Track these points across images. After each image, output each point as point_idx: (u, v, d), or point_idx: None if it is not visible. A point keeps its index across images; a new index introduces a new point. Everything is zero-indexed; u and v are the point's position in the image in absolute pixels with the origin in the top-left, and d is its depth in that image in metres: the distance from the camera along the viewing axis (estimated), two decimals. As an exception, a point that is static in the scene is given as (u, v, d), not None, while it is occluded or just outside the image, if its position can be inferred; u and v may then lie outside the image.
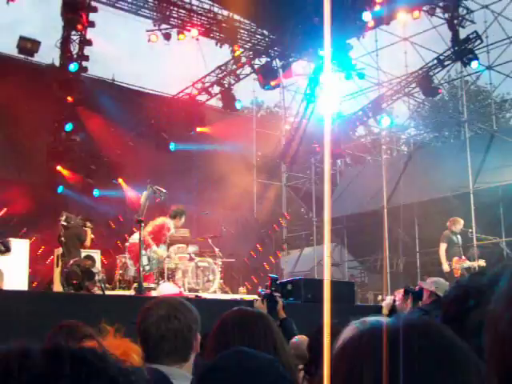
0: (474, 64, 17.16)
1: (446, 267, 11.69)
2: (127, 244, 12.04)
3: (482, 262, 12.24)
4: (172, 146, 19.43)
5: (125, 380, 0.87)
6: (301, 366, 3.38)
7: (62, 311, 6.60)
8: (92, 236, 12.31)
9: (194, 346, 2.85)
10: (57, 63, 17.17)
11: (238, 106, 19.90)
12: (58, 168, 17.51)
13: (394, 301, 7.13)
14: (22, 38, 16.17)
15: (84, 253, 11.86)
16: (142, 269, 10.25)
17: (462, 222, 12.23)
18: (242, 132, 22.29)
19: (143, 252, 10.65)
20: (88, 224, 12.02)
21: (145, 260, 10.90)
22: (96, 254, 12.68)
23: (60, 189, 17.48)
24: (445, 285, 6.24)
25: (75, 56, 16.37)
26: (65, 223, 11.44)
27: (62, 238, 11.47)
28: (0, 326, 6.18)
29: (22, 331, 6.34)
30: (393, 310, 7.12)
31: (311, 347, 3.12)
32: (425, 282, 6.50)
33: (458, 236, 12.07)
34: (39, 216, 16.08)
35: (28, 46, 16.16)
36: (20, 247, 11.50)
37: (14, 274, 10.85)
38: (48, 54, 17.47)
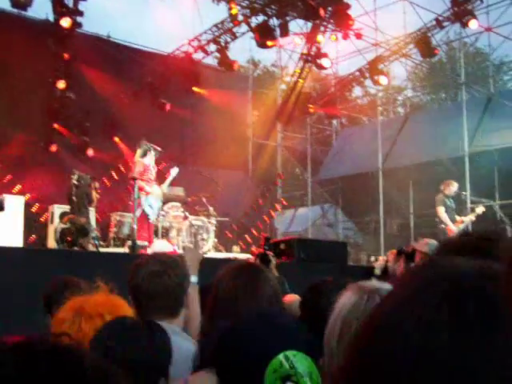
0: (473, 24, 16.97)
1: (452, 227, 11.64)
2: (131, 203, 12.01)
3: (479, 210, 12.30)
4: (167, 105, 19.32)
5: (102, 380, 0.83)
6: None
7: (56, 268, 6.63)
8: (98, 196, 12.49)
9: (184, 301, 2.88)
10: (51, 18, 16.93)
11: (235, 66, 19.76)
12: (55, 126, 17.45)
13: (387, 261, 7.18)
14: (15, -8, 15.89)
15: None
16: (134, 221, 10.25)
17: (455, 184, 12.19)
18: (237, 91, 22.15)
19: (144, 200, 10.66)
20: (96, 184, 12.28)
21: (148, 209, 10.90)
22: (91, 212, 12.73)
23: (54, 146, 17.46)
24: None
25: (69, 11, 16.11)
26: (76, 182, 11.61)
27: (74, 198, 11.63)
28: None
29: (16, 287, 6.38)
30: (385, 271, 7.18)
31: (303, 305, 3.13)
32: (417, 243, 6.54)
33: (451, 200, 12.08)
34: (34, 173, 16.05)
35: (21, -1, 15.89)
36: (15, 204, 11.52)
37: (8, 231, 10.88)
38: (42, 9, 17.24)
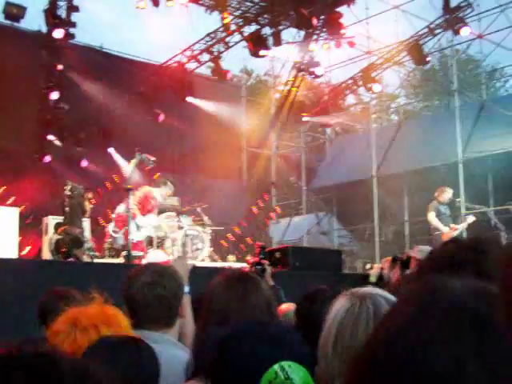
0: (464, 31, 17.06)
1: (447, 230, 11.59)
2: (113, 215, 12.10)
3: (470, 219, 12.25)
4: (161, 115, 19.32)
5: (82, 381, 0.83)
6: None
7: (51, 279, 6.61)
8: (91, 206, 12.54)
9: (179, 312, 2.87)
10: (44, 30, 16.94)
11: (228, 76, 19.80)
12: (49, 137, 17.42)
13: (382, 269, 7.19)
14: (7, 3, 15.91)
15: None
16: (130, 237, 10.26)
17: (450, 191, 12.17)
18: (231, 100, 22.17)
19: (134, 221, 10.70)
20: (89, 195, 12.35)
21: (133, 228, 10.94)
22: (85, 222, 12.72)
23: (48, 157, 17.43)
24: (432, 253, 6.26)
25: (62, 22, 16.12)
26: (69, 193, 11.65)
27: (67, 208, 11.66)
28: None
29: (11, 299, 6.35)
30: (380, 279, 7.18)
31: (298, 314, 3.14)
32: (412, 251, 6.55)
33: (446, 206, 12.06)
34: (28, 184, 16.01)
35: (14, 11, 15.88)
36: (9, 215, 11.49)
37: (3, 242, 10.85)
38: (35, 21, 17.25)
